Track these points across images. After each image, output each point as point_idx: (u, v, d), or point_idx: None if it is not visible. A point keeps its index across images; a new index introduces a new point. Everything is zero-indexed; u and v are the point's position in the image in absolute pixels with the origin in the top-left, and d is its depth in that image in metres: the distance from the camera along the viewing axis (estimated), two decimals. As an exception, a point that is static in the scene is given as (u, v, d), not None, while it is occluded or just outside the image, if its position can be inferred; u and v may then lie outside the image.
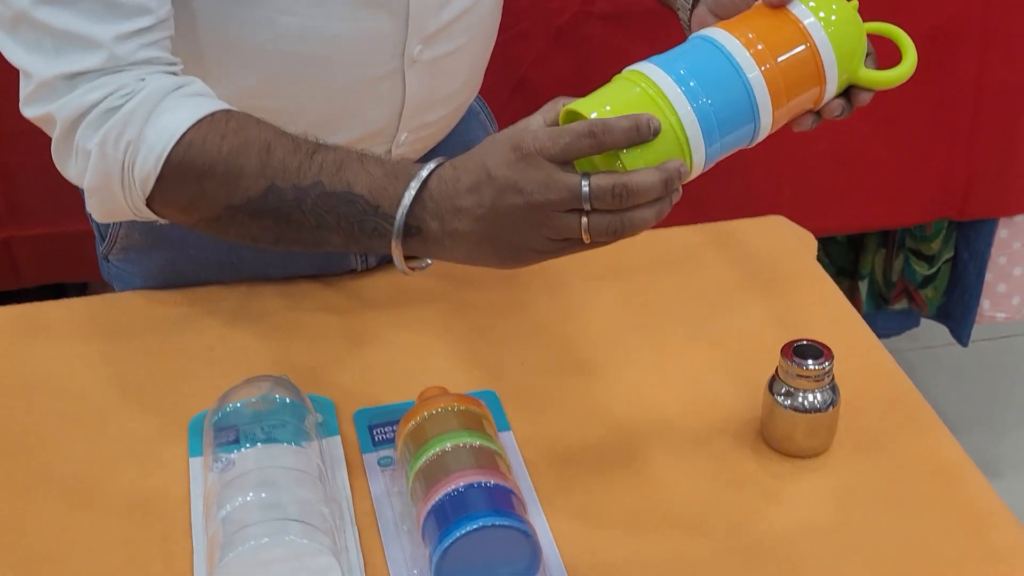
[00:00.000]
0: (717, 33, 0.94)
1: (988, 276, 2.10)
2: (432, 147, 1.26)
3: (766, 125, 0.93)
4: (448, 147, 1.26)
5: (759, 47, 0.92)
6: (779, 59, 0.92)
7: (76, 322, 1.21)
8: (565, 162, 0.87)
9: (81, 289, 2.03)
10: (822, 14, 0.94)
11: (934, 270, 2.13)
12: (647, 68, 0.91)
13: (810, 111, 0.97)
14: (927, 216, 2.06)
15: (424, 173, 0.92)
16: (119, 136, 0.98)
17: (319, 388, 1.10)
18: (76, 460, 1.05)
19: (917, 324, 2.25)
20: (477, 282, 1.25)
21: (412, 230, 0.93)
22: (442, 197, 0.92)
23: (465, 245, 0.92)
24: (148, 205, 1.01)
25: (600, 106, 0.89)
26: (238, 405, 1.00)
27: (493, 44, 1.26)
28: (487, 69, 1.30)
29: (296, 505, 0.91)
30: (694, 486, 1.01)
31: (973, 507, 0.99)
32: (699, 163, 0.91)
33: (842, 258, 2.17)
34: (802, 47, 0.93)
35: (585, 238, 0.89)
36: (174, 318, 1.21)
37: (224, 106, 1.00)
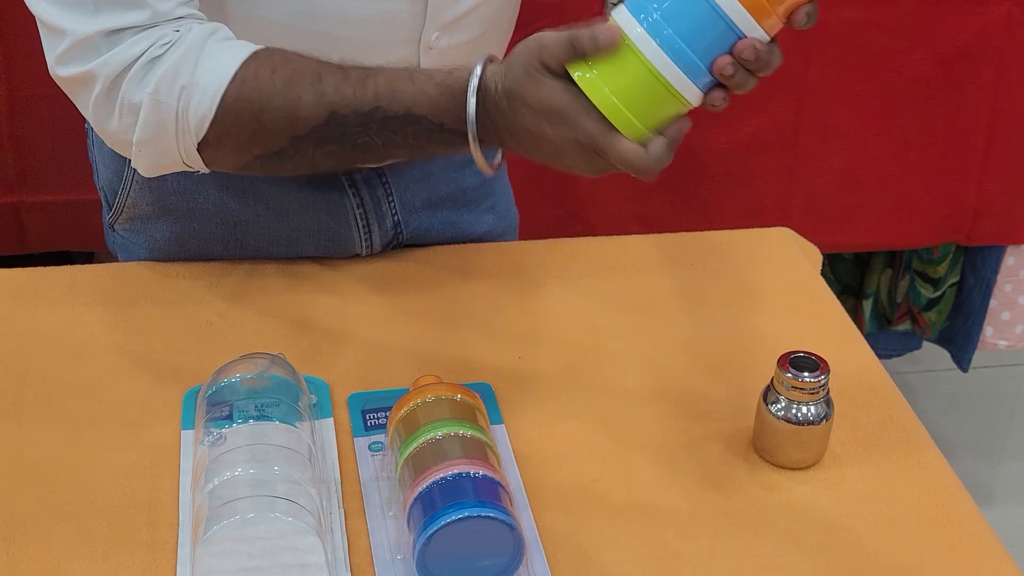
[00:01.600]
0: None
1: (992, 303, 2.10)
2: None
3: (745, 22, 0.90)
4: None
5: None
6: None
7: (78, 289, 1.22)
8: None
9: (88, 258, 2.03)
10: None
11: (939, 293, 2.13)
12: (620, 15, 0.92)
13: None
14: (935, 239, 2.06)
15: (473, 87, 0.96)
16: (172, 82, 0.99)
17: (315, 369, 1.10)
18: (68, 424, 1.05)
19: (919, 346, 2.25)
20: (480, 274, 1.26)
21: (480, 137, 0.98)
22: (498, 117, 0.96)
23: (527, 150, 0.98)
24: (200, 150, 1.02)
25: (587, 65, 0.92)
26: (233, 380, 1.00)
27: (509, 38, 1.27)
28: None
29: (284, 483, 0.91)
30: (683, 491, 1.02)
31: (959, 529, 0.99)
32: (688, 90, 0.91)
33: (848, 276, 2.17)
34: None
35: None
36: (176, 291, 1.21)
37: (261, 46, 1.03)
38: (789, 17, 0.91)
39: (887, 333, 2.19)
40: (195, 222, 1.24)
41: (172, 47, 1.00)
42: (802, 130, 1.95)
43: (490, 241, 1.34)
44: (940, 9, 1.87)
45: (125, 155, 1.06)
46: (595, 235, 1.34)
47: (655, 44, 0.90)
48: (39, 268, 1.25)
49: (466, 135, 0.98)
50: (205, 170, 1.06)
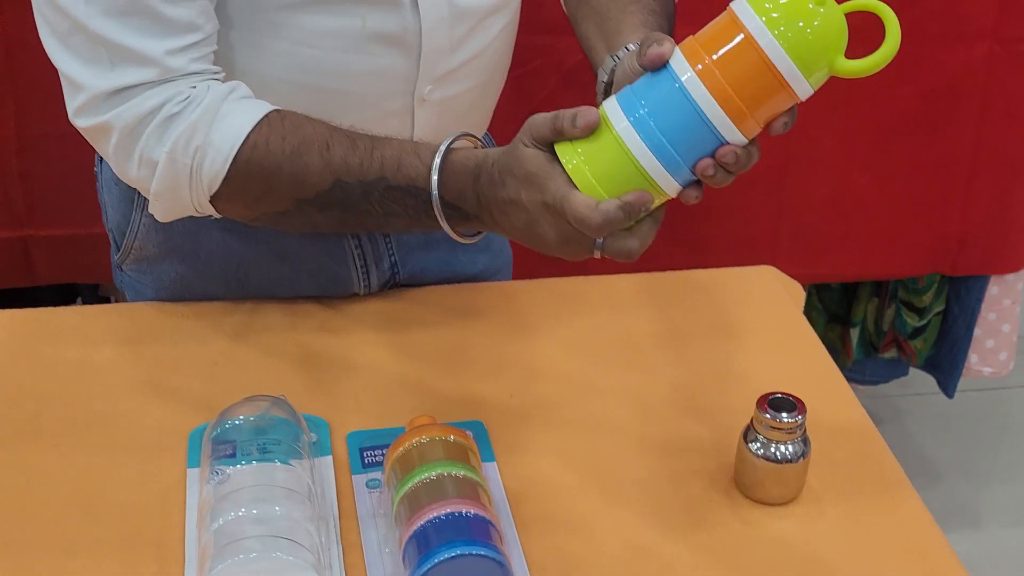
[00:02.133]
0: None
1: (977, 331, 2.14)
2: None
3: (725, 126, 0.93)
4: None
5: (695, 49, 0.94)
6: (714, 56, 0.93)
7: (85, 329, 1.26)
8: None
9: (93, 290, 2.08)
10: (767, 5, 0.92)
11: (924, 322, 2.17)
12: (609, 105, 0.96)
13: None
14: (920, 269, 2.10)
15: (435, 165, 1.03)
16: (188, 142, 1.05)
17: (315, 407, 1.15)
18: (76, 464, 1.09)
19: (905, 373, 2.29)
20: (474, 313, 1.30)
21: (471, 217, 1.04)
22: (489, 191, 1.01)
23: (509, 224, 1.02)
24: (212, 202, 1.09)
25: (575, 150, 0.96)
26: (237, 421, 1.05)
27: (502, 86, 1.31)
28: (498, 104, 1.35)
29: (285, 522, 0.96)
30: (668, 526, 1.06)
31: (930, 562, 1.04)
32: (667, 183, 0.96)
33: (835, 305, 2.22)
34: (738, 37, 0.92)
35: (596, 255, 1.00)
36: (181, 330, 1.26)
37: (274, 107, 1.08)
38: (768, 124, 0.96)
39: (874, 360, 2.23)
40: (199, 263, 1.29)
41: (189, 105, 1.05)
42: (790, 163, 1.99)
43: (485, 280, 1.39)
44: (925, 47, 1.91)
45: (145, 195, 1.12)
46: (587, 272, 1.39)
47: (639, 139, 0.94)
48: (46, 308, 1.30)
49: (463, 211, 1.04)
50: (218, 216, 1.12)
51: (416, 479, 0.99)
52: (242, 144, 1.06)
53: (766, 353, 1.27)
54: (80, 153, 1.88)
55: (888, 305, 2.16)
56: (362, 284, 1.32)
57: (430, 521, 0.96)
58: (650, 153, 0.94)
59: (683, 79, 0.93)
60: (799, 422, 1.06)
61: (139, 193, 1.22)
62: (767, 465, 1.07)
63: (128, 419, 1.15)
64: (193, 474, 1.08)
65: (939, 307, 2.16)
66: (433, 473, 0.99)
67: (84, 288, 2.07)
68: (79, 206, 1.91)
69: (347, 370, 1.22)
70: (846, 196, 2.03)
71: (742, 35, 0.92)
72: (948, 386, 2.20)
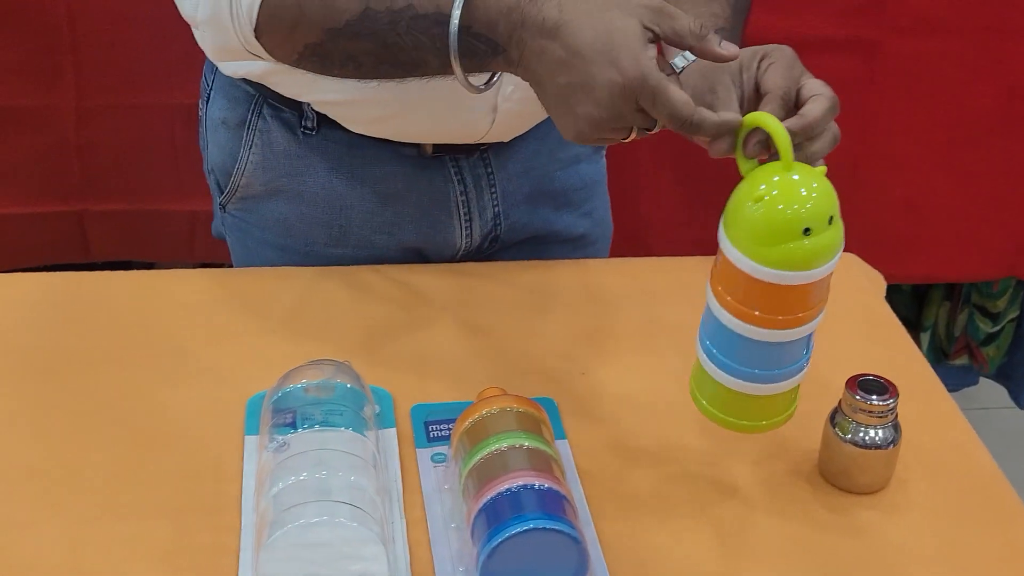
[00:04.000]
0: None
1: (1053, 339, 2.08)
2: None
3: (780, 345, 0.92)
4: None
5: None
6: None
7: (143, 293, 1.23)
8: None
9: (148, 269, 2.05)
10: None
11: (998, 328, 2.10)
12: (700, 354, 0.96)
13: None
14: (995, 273, 2.04)
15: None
16: None
17: (378, 379, 1.10)
18: (128, 428, 1.05)
19: (976, 382, 2.22)
20: (548, 290, 1.26)
21: (500, 49, 0.95)
22: (528, 41, 0.93)
23: (536, 83, 0.94)
24: (257, 38, 1.05)
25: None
26: (298, 387, 1.00)
27: None
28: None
29: (349, 490, 0.91)
30: (748, 511, 1.01)
31: (1029, 560, 0.98)
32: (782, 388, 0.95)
33: (905, 308, 2.16)
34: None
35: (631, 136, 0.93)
36: (241, 296, 1.22)
37: None
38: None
39: (944, 367, 2.17)
40: (303, 205, 1.26)
41: None
42: (864, 159, 1.94)
43: (583, 247, 1.36)
44: (1008, 43, 1.86)
45: (199, 43, 1.12)
46: (662, 252, 1.34)
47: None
48: (103, 272, 1.27)
49: (492, 42, 0.95)
50: (271, 60, 1.08)
51: (486, 450, 0.94)
52: None
53: (850, 339, 1.21)
54: (140, 126, 1.88)
55: (960, 310, 2.10)
56: (463, 234, 1.29)
57: (501, 494, 0.90)
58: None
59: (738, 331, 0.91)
60: (891, 406, 1.00)
61: (248, 130, 1.23)
62: (855, 451, 1.01)
63: (184, 385, 1.11)
64: (251, 441, 1.03)
65: (1013, 313, 2.09)
66: (504, 444, 0.94)
67: (139, 267, 2.05)
68: (137, 182, 1.89)
69: (412, 342, 1.17)
70: (920, 195, 1.97)
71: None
72: (1020, 396, 2.14)
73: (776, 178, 0.87)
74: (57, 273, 1.26)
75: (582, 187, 1.34)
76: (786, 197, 0.87)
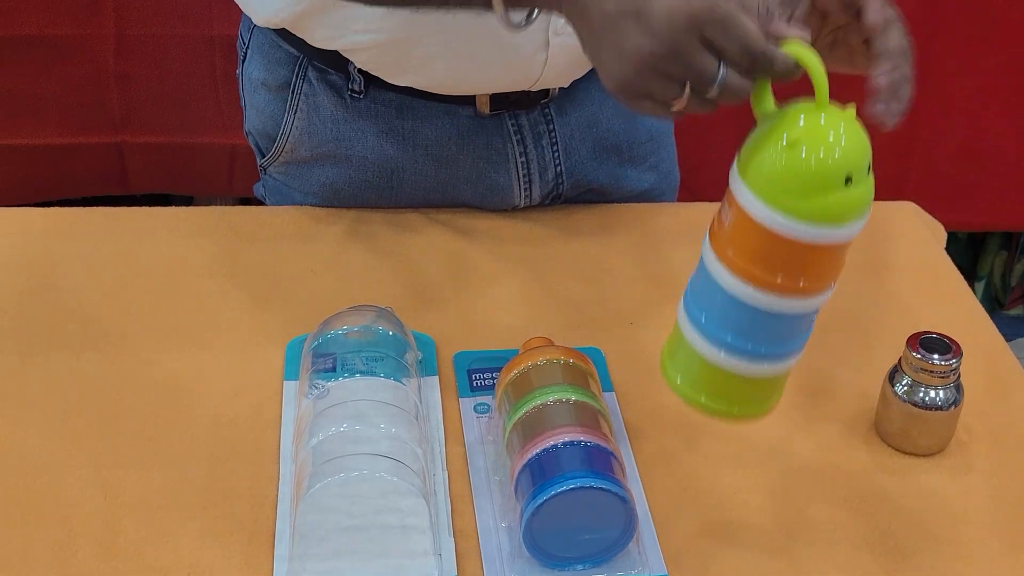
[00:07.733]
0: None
1: (1110, 290, 2.03)
2: None
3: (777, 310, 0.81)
4: None
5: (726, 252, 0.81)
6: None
7: (181, 231, 1.20)
8: None
9: (187, 203, 2.03)
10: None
11: (1056, 278, 2.06)
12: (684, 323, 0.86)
13: None
14: (1055, 222, 1.99)
15: None
16: None
17: (420, 325, 1.07)
18: (164, 370, 1.03)
19: (1031, 332, 2.18)
20: (594, 233, 1.22)
21: None
22: None
23: (579, 13, 0.83)
24: None
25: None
26: (340, 332, 0.97)
27: None
28: None
29: (389, 441, 0.88)
30: (800, 470, 0.97)
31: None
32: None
33: (961, 257, 2.11)
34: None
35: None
36: (281, 236, 1.19)
37: None
38: None
39: (998, 316, 2.12)
40: (351, 169, 1.22)
41: None
42: (922, 103, 1.87)
43: (648, 201, 1.29)
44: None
45: None
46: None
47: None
48: (142, 208, 1.23)
49: None
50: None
51: (531, 404, 0.91)
52: None
53: (910, 293, 1.17)
54: (181, 57, 1.84)
55: (1018, 259, 2.05)
56: (523, 195, 1.23)
57: (546, 450, 0.87)
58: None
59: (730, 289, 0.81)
60: (953, 366, 0.96)
61: (293, 94, 1.18)
62: (914, 411, 0.97)
63: (221, 327, 1.08)
64: (290, 387, 1.00)
65: (1071, 263, 2.04)
66: (550, 398, 0.91)
67: (177, 200, 2.02)
68: (177, 114, 1.86)
69: (456, 287, 1.14)
70: (980, 140, 1.92)
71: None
72: (1076, 348, 2.09)
73: (815, 117, 0.77)
74: (96, 209, 1.23)
75: (648, 139, 1.28)
76: (826, 140, 0.76)
